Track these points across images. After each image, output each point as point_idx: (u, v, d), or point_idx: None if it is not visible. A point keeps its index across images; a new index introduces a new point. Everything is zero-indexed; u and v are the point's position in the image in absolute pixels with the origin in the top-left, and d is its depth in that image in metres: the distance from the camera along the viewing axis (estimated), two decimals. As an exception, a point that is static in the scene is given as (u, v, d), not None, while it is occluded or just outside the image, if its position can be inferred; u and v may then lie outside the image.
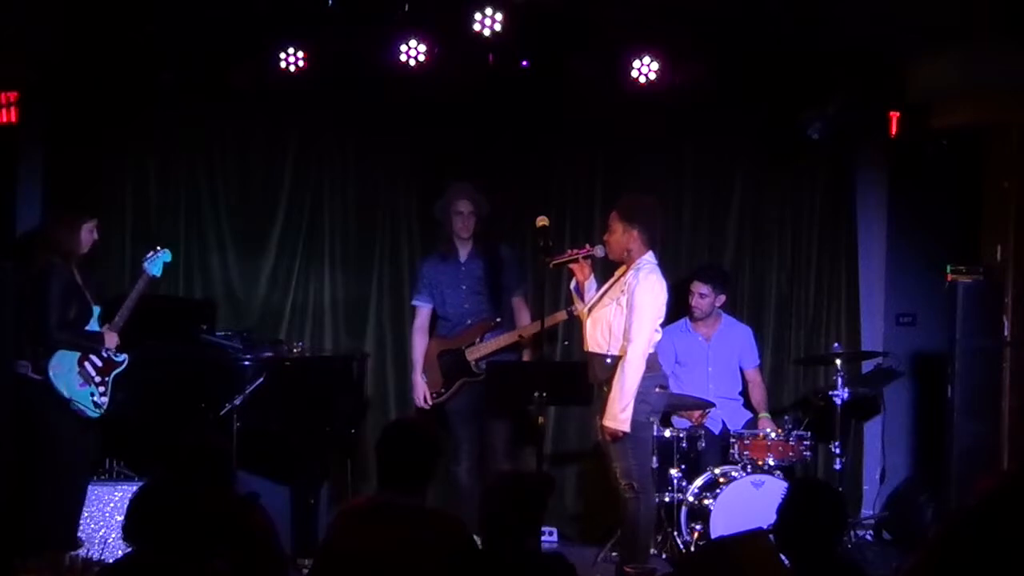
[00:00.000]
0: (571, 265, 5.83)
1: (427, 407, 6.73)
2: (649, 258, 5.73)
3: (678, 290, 7.12)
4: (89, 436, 5.94)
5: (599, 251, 5.81)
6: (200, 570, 3.63)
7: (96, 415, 5.85)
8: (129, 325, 5.97)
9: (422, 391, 6.74)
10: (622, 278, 5.74)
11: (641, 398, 5.60)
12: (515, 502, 3.85)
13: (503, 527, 3.82)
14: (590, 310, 5.80)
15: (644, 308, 5.62)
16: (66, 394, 5.76)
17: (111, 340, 5.91)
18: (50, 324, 5.76)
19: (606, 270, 6.08)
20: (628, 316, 5.61)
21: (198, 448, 4.25)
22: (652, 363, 5.71)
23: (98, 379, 5.87)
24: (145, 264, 6.07)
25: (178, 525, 3.63)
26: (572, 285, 5.94)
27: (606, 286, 5.84)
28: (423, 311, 6.84)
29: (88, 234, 5.95)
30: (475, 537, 4.04)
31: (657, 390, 5.74)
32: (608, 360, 5.64)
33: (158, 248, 6.14)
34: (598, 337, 5.71)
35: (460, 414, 6.74)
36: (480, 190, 6.80)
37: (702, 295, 6.88)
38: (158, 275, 6.09)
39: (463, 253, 6.78)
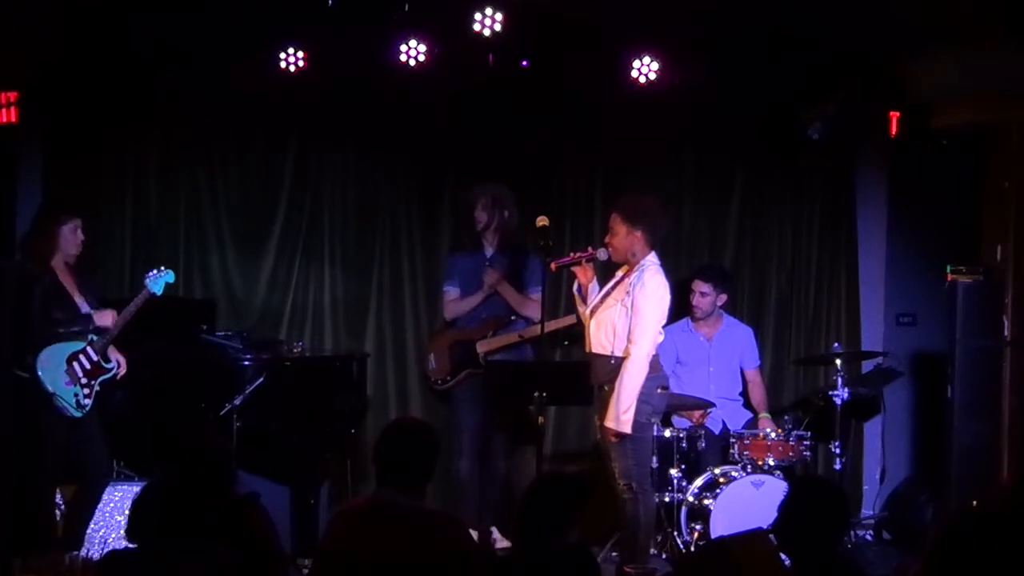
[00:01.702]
0: (573, 268, 5.83)
1: None
2: (652, 259, 5.72)
3: (679, 289, 7.11)
4: (86, 438, 5.91)
5: (602, 254, 5.80)
6: (207, 565, 3.63)
7: (78, 415, 5.82)
8: (126, 330, 5.95)
9: None
10: (626, 279, 5.73)
11: (643, 399, 5.60)
12: (554, 502, 3.87)
13: (539, 525, 3.84)
14: (592, 311, 5.79)
15: (648, 310, 5.61)
16: (50, 388, 5.75)
17: (103, 319, 5.88)
18: (33, 324, 5.75)
19: (607, 268, 6.08)
20: (632, 318, 5.60)
21: (198, 448, 4.25)
22: (654, 364, 5.69)
23: (84, 380, 5.84)
24: (147, 281, 5.99)
25: (181, 524, 3.63)
26: (575, 287, 5.93)
27: (608, 286, 5.83)
28: (452, 294, 6.93)
29: (71, 234, 5.89)
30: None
31: (659, 391, 5.73)
32: (612, 361, 5.63)
33: (162, 268, 6.06)
34: (602, 338, 5.70)
35: (465, 403, 6.83)
36: (506, 192, 6.84)
37: (703, 294, 6.88)
38: (158, 294, 6.01)
39: (489, 250, 6.86)
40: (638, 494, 5.64)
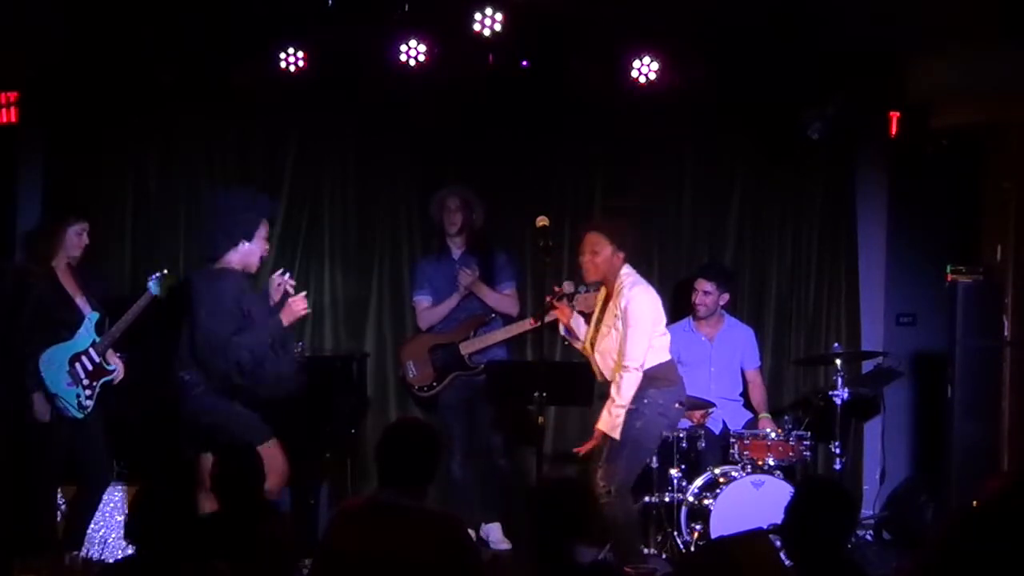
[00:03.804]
0: (552, 313, 5.86)
1: None
2: (627, 271, 5.81)
3: (681, 289, 7.14)
4: (87, 439, 5.90)
5: (568, 286, 5.90)
6: (200, 570, 3.63)
7: (80, 416, 5.81)
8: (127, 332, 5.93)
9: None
10: (612, 302, 5.79)
11: (660, 411, 5.72)
12: (562, 509, 3.86)
13: (551, 536, 3.84)
14: (592, 343, 5.86)
15: (636, 320, 5.68)
16: (51, 389, 5.75)
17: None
18: (26, 326, 5.75)
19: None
20: (624, 331, 5.67)
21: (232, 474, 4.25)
22: (673, 377, 5.82)
23: (86, 382, 5.83)
24: (149, 283, 5.96)
25: (178, 525, 3.64)
26: (561, 330, 5.97)
27: (596, 314, 5.88)
28: (424, 302, 6.95)
29: (76, 236, 5.89)
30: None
31: (676, 406, 5.81)
32: None
33: (165, 270, 6.04)
34: (610, 367, 5.78)
35: (452, 408, 6.87)
36: (475, 192, 6.91)
37: (706, 292, 6.88)
38: (161, 296, 5.96)
39: (457, 252, 6.90)
40: (615, 498, 5.65)
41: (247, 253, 5.69)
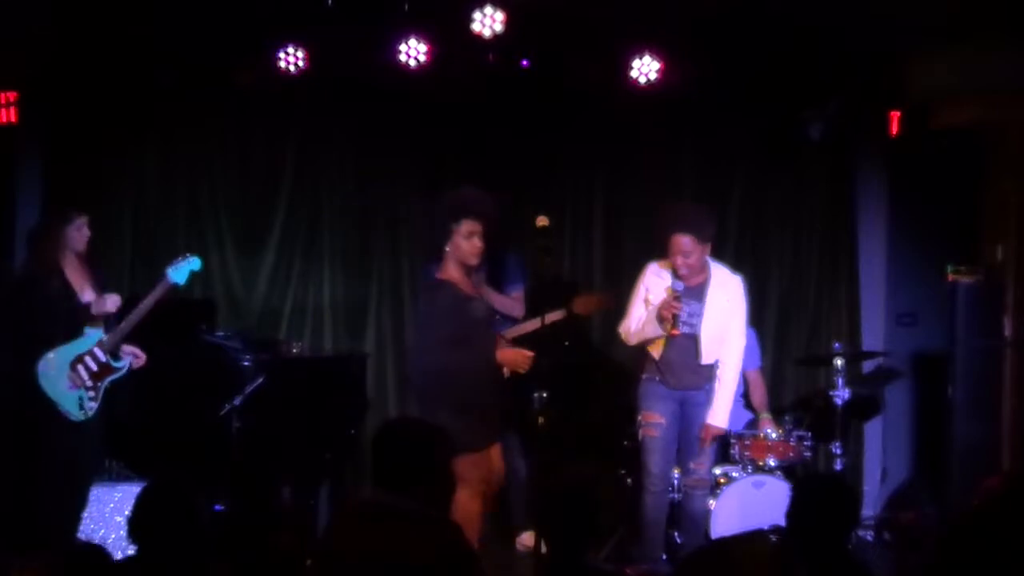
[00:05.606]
0: (670, 312, 5.73)
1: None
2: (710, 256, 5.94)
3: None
4: (85, 438, 5.88)
5: (677, 285, 5.79)
6: (201, 572, 3.63)
7: (80, 418, 5.74)
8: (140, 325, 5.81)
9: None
10: (712, 285, 5.86)
11: None
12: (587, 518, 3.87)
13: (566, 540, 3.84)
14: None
15: (745, 307, 5.95)
16: (49, 395, 5.69)
17: (102, 304, 5.74)
18: (29, 329, 5.73)
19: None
20: (737, 317, 5.89)
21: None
22: None
23: (89, 383, 5.74)
24: (168, 270, 5.82)
25: (181, 525, 3.63)
26: (680, 328, 5.81)
27: (686, 299, 5.82)
28: None
29: (77, 232, 5.81)
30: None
31: None
32: (713, 366, 5.92)
33: (186, 254, 5.90)
34: (713, 352, 5.90)
35: None
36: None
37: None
38: (181, 283, 5.84)
39: None
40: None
41: (456, 255, 5.41)
